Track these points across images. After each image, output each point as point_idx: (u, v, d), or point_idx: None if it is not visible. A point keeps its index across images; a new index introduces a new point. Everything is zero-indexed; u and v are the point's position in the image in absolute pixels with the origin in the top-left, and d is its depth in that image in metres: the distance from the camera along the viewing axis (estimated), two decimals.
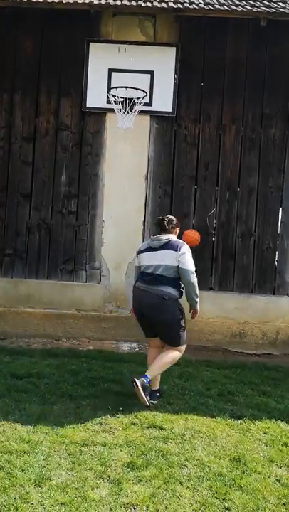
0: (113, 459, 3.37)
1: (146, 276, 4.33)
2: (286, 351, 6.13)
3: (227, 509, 2.93)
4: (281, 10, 5.67)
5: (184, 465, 3.37)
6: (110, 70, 6.07)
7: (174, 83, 6.12)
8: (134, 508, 2.88)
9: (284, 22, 5.83)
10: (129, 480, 3.14)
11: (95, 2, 5.74)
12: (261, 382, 5.05)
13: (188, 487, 3.12)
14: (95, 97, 6.14)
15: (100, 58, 6.11)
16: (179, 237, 4.72)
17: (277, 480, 3.28)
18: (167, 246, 4.32)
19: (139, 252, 4.51)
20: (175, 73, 6.10)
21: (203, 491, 3.09)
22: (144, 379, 4.13)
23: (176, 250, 4.28)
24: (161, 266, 4.28)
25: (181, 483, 3.15)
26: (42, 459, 3.30)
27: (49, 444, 3.51)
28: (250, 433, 3.91)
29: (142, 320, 4.44)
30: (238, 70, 6.20)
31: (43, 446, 3.46)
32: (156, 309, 4.25)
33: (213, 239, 6.35)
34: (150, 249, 4.40)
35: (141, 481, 3.14)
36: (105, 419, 3.94)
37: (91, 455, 3.41)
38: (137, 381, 4.08)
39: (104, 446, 3.53)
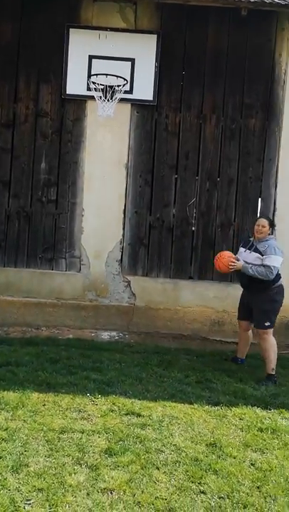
0: (91, 446, 3.40)
1: None
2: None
3: (202, 492, 2.99)
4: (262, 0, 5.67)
5: (161, 450, 3.42)
6: (91, 57, 6.01)
7: (155, 71, 6.09)
8: (111, 493, 2.92)
9: (265, 12, 5.84)
10: (107, 466, 3.17)
11: None
12: (238, 370, 5.14)
13: (164, 472, 3.17)
14: (75, 84, 6.07)
15: (80, 44, 6.03)
16: None
17: (251, 464, 3.35)
18: None
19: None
20: (156, 61, 6.07)
21: (180, 476, 3.14)
22: None
23: None
24: None
25: (158, 468, 3.20)
26: (20, 446, 3.31)
27: (27, 431, 3.52)
28: (226, 419, 3.98)
29: None
30: (218, 59, 6.20)
31: (21, 434, 3.47)
32: None
33: (193, 228, 6.39)
34: None
35: (118, 466, 3.18)
36: (84, 407, 3.96)
37: (69, 442, 3.43)
38: None
39: (83, 433, 3.56)
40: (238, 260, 4.96)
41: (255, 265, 4.87)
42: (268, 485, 3.11)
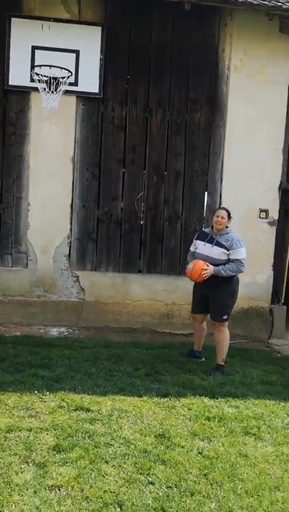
0: (39, 443, 3.35)
1: None
2: (212, 330, 6.34)
3: (151, 483, 3.02)
4: None
5: (110, 444, 3.42)
6: (34, 48, 5.87)
7: (100, 64, 6.03)
8: (59, 490, 2.89)
9: (208, 7, 5.90)
10: (55, 462, 3.14)
11: None
12: (187, 361, 5.22)
13: (113, 465, 3.18)
14: (18, 75, 5.92)
15: (22, 35, 5.88)
16: None
17: (199, 452, 3.42)
18: None
19: None
20: (101, 53, 6.01)
21: (128, 468, 3.16)
22: None
23: None
24: None
25: (106, 462, 3.20)
26: None
27: None
28: (175, 410, 4.04)
29: None
30: (163, 53, 6.22)
31: None
32: None
33: (142, 222, 6.40)
34: None
35: (67, 462, 3.15)
36: (32, 404, 3.90)
37: (16, 441, 3.37)
38: None
39: (30, 431, 3.50)
40: (207, 266, 4.84)
41: (222, 263, 4.86)
42: (215, 472, 3.18)
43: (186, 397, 4.27)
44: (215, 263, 4.89)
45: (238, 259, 4.87)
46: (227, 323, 5.08)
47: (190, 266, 4.95)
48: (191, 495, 2.93)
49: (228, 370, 5.04)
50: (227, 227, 5.06)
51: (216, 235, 5.01)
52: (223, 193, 6.41)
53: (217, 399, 4.29)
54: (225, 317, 5.02)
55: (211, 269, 4.85)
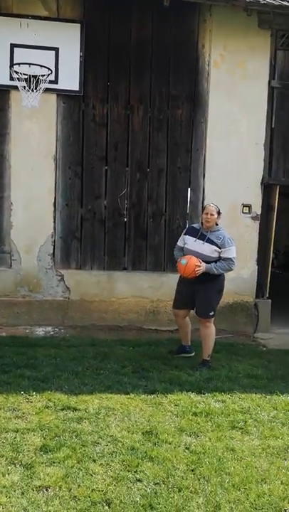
0: (26, 444, 3.33)
1: None
2: (196, 325, 6.37)
3: (138, 480, 3.02)
4: None
5: (98, 443, 3.42)
6: (12, 46, 5.82)
7: (80, 61, 6.00)
8: (46, 490, 2.88)
9: (187, 3, 5.90)
10: (42, 463, 3.13)
11: None
12: (174, 357, 5.24)
13: (101, 464, 3.18)
14: None
15: (1, 32, 5.82)
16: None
17: (186, 448, 3.43)
18: None
19: None
20: (80, 51, 5.98)
21: (116, 466, 3.16)
22: None
23: None
24: None
25: (94, 461, 3.20)
26: None
27: None
28: (162, 406, 4.05)
29: None
30: (144, 50, 6.21)
31: None
32: None
33: (126, 219, 6.40)
34: None
35: (54, 462, 3.14)
36: (18, 405, 3.88)
37: (2, 442, 3.35)
38: None
39: (17, 432, 3.48)
40: (200, 263, 4.82)
41: (212, 260, 4.86)
42: (202, 467, 3.20)
43: (173, 393, 4.29)
44: (206, 260, 4.87)
45: (229, 258, 4.89)
46: (213, 319, 5.10)
47: (183, 262, 4.87)
48: (179, 490, 2.95)
49: (214, 365, 5.07)
50: (217, 224, 5.04)
51: (206, 232, 4.96)
52: (206, 188, 6.44)
53: (204, 394, 4.32)
54: (211, 313, 5.04)
55: (203, 266, 4.83)
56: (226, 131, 6.38)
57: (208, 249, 4.90)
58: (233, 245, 4.95)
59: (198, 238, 4.96)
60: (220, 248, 4.89)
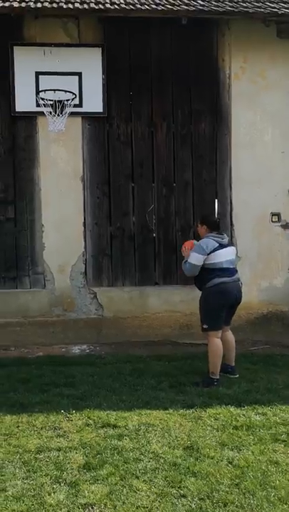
0: (69, 463, 3.37)
1: (227, 270, 4.90)
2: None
3: (183, 496, 3.01)
4: (200, 8, 5.82)
5: (140, 459, 3.42)
6: (37, 73, 6.01)
7: (103, 83, 6.14)
8: (92, 508, 2.90)
9: (204, 19, 5.99)
10: (86, 481, 3.16)
11: (15, 5, 5.65)
12: None
13: (144, 480, 3.18)
14: (24, 101, 6.04)
15: (25, 62, 6.02)
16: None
17: (229, 462, 3.40)
18: (230, 242, 5.37)
19: (214, 250, 4.83)
20: (103, 73, 6.13)
21: (159, 482, 3.16)
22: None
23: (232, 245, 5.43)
24: (233, 259, 5.05)
25: (137, 478, 3.20)
26: None
27: (2, 455, 3.46)
28: (201, 420, 4.03)
29: (225, 309, 4.90)
30: (164, 68, 6.31)
31: None
32: (240, 293, 5.00)
33: (154, 235, 6.45)
34: (222, 246, 4.90)
35: (97, 480, 3.17)
36: (59, 424, 3.93)
37: (46, 461, 3.40)
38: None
39: (60, 450, 3.53)
40: (187, 248, 5.04)
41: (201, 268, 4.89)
42: (246, 481, 3.16)
43: (212, 407, 4.26)
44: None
45: (187, 261, 4.95)
46: (213, 333, 4.84)
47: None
48: (224, 505, 2.92)
49: (252, 376, 5.01)
50: (208, 233, 4.98)
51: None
52: (233, 199, 6.44)
53: (243, 407, 4.27)
54: (205, 326, 4.88)
55: (186, 253, 5.01)
56: (251, 140, 6.39)
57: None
58: (194, 251, 4.86)
59: None
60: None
